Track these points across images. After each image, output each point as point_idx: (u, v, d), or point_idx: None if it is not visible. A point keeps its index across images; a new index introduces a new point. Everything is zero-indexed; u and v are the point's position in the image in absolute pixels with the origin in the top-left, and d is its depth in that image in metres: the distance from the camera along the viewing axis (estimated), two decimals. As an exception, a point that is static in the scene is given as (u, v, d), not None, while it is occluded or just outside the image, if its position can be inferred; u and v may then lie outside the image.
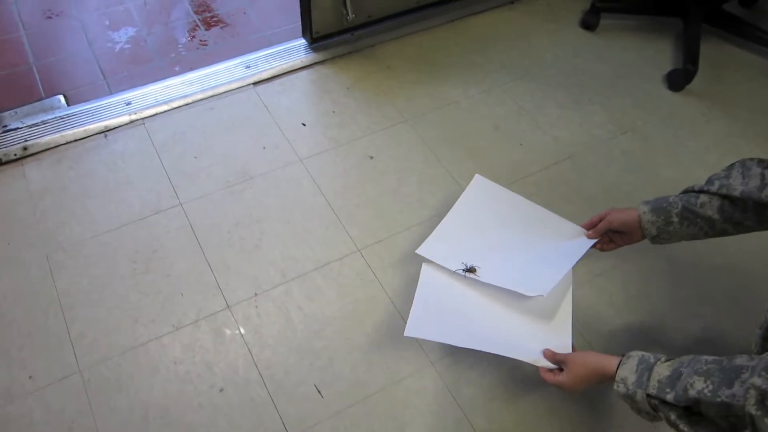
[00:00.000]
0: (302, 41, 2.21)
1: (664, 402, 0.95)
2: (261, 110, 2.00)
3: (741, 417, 0.83)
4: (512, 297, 1.30)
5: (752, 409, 0.79)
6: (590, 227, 1.40)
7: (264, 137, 1.93)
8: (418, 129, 1.97)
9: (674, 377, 0.95)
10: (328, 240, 1.69)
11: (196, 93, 2.03)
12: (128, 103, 2.00)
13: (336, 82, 2.10)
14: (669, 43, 2.34)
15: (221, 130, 1.94)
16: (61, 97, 2.03)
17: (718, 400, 0.86)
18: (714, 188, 1.15)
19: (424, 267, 1.38)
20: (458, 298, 1.33)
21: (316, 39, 2.18)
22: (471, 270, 1.35)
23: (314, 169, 1.85)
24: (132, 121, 1.96)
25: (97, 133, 1.92)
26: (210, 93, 2.04)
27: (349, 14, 2.11)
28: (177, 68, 2.13)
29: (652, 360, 1.01)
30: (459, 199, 1.49)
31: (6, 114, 1.97)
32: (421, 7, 2.32)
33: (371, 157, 1.89)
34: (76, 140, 1.91)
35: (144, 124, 1.95)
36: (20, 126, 1.92)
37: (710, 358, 0.93)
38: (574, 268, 1.34)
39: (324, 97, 2.06)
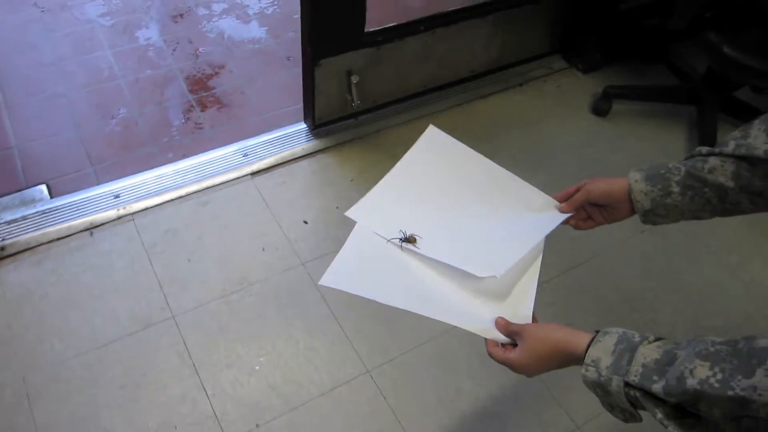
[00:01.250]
0: (303, 126, 2.10)
1: (648, 394, 0.71)
2: (259, 205, 1.88)
3: (760, 421, 0.62)
4: (460, 273, 1.01)
5: None
6: (564, 199, 1.08)
7: (263, 236, 1.80)
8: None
9: (665, 361, 0.71)
10: (334, 359, 1.56)
11: (189, 184, 1.91)
12: (116, 196, 1.86)
13: (339, 173, 1.98)
14: (683, 130, 2.26)
15: (217, 227, 1.81)
16: (44, 188, 1.89)
17: (730, 393, 0.63)
18: (728, 149, 0.89)
19: (359, 224, 1.09)
20: (395, 258, 1.04)
21: (318, 125, 2.06)
22: (410, 240, 1.04)
23: (317, 275, 1.70)
24: (120, 217, 1.82)
25: (82, 230, 1.78)
26: (205, 184, 1.91)
27: (355, 100, 2.01)
28: (170, 155, 2.01)
29: (637, 339, 0.76)
30: (405, 154, 1.17)
31: (-18, 207, 1.83)
32: (428, 90, 2.22)
33: (379, 261, 1.76)
34: (59, 238, 1.76)
35: (133, 219, 1.81)
36: (-2, 222, 1.78)
37: (719, 339, 0.69)
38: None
39: (326, 190, 1.94)
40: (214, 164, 1.97)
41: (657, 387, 0.69)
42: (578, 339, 0.82)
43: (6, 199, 1.85)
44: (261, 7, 2.62)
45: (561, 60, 2.48)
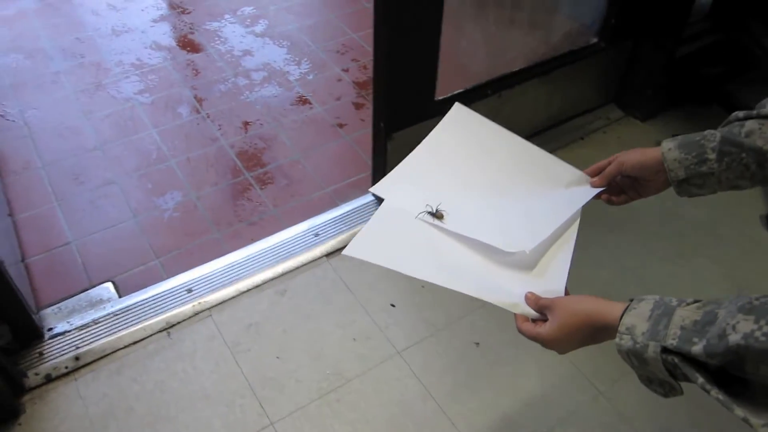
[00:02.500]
0: (371, 198, 2.01)
1: (687, 359, 0.64)
2: (341, 289, 1.78)
3: None
4: (489, 247, 0.97)
5: None
6: (596, 173, 1.04)
7: (351, 325, 1.70)
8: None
9: (706, 321, 0.64)
10: (451, 459, 1.45)
11: (263, 269, 1.81)
12: (189, 290, 1.76)
13: (417, 248, 1.89)
14: (754, 176, 2.20)
15: (301, 318, 1.71)
16: (110, 286, 1.79)
17: None
18: (767, 110, 0.84)
19: (386, 201, 1.05)
20: (423, 233, 1.00)
21: (388, 198, 1.98)
22: (437, 215, 1.01)
23: (416, 364, 1.62)
24: (196, 313, 1.71)
25: (158, 331, 1.67)
26: (280, 269, 1.82)
27: (425, 170, 1.92)
28: (237, 239, 1.91)
29: (674, 303, 0.69)
30: (432, 132, 1.14)
31: (49, 312, 1.72)
32: (493, 152, 2.15)
33: (477, 344, 1.67)
34: (135, 342, 1.65)
35: (211, 315, 1.71)
36: (68, 329, 1.67)
37: (765, 295, 0.61)
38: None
39: (408, 267, 1.84)
40: (285, 247, 1.88)
41: (697, 348, 0.62)
42: (612, 308, 0.75)
43: (72, 301, 1.75)
44: (301, 73, 2.56)
45: (617, 109, 2.43)
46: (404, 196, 1.04)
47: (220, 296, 1.75)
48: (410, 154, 1.11)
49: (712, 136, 0.88)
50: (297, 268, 1.83)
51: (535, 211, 1.04)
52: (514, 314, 0.89)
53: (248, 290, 1.77)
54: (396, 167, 1.09)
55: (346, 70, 2.58)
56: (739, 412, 0.60)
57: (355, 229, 1.93)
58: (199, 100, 2.41)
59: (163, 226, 1.95)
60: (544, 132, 2.28)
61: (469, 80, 1.96)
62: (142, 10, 2.88)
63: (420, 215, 1.01)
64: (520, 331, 0.88)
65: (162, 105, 2.38)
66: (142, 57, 2.61)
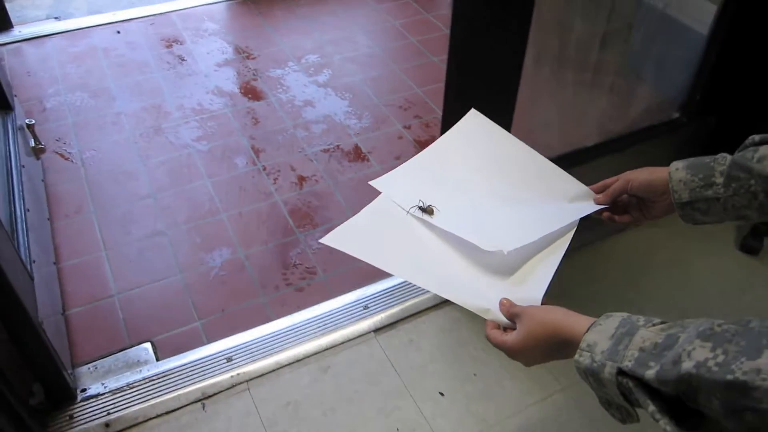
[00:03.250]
0: (425, 271, 1.90)
1: (641, 384, 0.59)
2: (388, 371, 1.66)
3: (766, 416, 0.49)
4: (471, 247, 0.94)
5: None
6: (602, 190, 1.01)
7: (395, 412, 1.58)
8: (581, 403, 1.61)
9: (666, 344, 0.59)
10: None
11: (307, 341, 1.71)
12: (229, 359, 1.67)
13: (472, 329, 1.77)
14: None
15: (343, 400, 1.60)
16: (149, 347, 1.72)
17: (729, 378, 0.51)
18: None
19: (382, 195, 1.04)
20: (409, 229, 0.99)
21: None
22: (426, 210, 1.00)
23: (464, 465, 1.49)
24: (234, 385, 1.63)
25: (194, 401, 1.59)
26: (324, 343, 1.72)
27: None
28: (282, 306, 1.82)
29: (641, 322, 0.65)
30: (443, 135, 1.13)
31: (84, 371, 1.66)
32: (559, 228, 2.02)
33: (532, 448, 1.52)
34: (168, 412, 1.57)
35: (249, 389, 1.62)
36: (102, 392, 1.60)
37: (731, 322, 0.56)
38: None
39: (460, 352, 1.72)
40: (331, 318, 1.78)
41: (650, 373, 0.58)
42: (579, 322, 0.71)
43: (109, 360, 1.68)
44: (362, 128, 2.49)
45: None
46: (401, 192, 1.03)
47: (260, 368, 1.66)
48: (418, 155, 1.10)
49: (723, 159, 0.84)
50: (342, 342, 1.73)
51: (527, 217, 1.01)
52: (485, 320, 0.85)
53: (290, 364, 1.68)
54: (400, 165, 1.09)
55: (407, 128, 2.50)
56: None
57: (407, 303, 1.82)
58: (257, 151, 2.36)
59: (209, 285, 1.88)
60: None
61: (540, 151, 1.84)
62: (208, 53, 2.88)
63: (411, 209, 1.00)
64: (488, 338, 0.84)
65: (219, 154, 2.34)
66: (203, 102, 2.59)
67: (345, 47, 2.95)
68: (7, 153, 1.86)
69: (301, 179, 2.24)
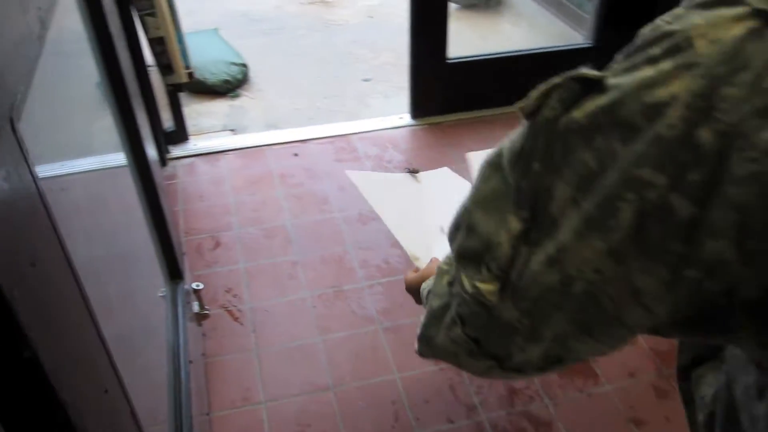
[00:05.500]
0: None
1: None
2: None
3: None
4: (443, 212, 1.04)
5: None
6: None
7: None
8: None
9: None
10: None
11: None
12: None
13: None
14: None
15: None
16: None
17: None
18: None
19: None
20: (403, 187, 1.40)
21: None
22: (413, 171, 1.46)
23: None
24: None
25: None
26: None
27: None
28: None
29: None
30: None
31: None
32: None
33: None
34: None
35: None
36: None
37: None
38: None
39: None
40: None
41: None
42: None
43: None
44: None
45: None
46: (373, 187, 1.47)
47: None
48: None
49: None
50: None
51: None
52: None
53: None
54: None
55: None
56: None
57: None
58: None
59: None
60: None
61: None
62: (393, 192, 2.55)
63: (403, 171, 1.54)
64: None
65: (407, 336, 1.95)
66: (390, 258, 2.24)
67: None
68: (176, 343, 1.55)
69: (512, 393, 1.81)
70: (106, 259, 1.19)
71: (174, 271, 1.74)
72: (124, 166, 1.44)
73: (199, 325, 1.89)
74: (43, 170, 0.65)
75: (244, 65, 3.43)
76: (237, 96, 3.30)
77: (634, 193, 0.39)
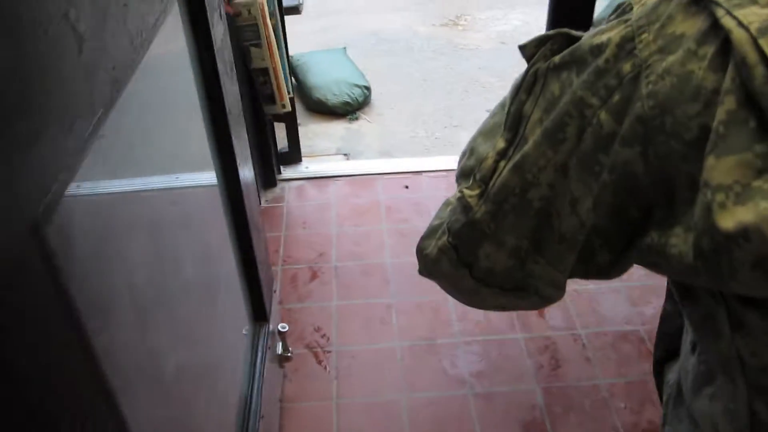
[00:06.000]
0: None
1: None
2: None
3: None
4: None
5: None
6: None
7: None
8: None
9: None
10: None
11: None
12: None
13: None
14: None
15: None
16: None
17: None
18: None
19: None
20: None
21: None
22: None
23: None
24: None
25: None
26: None
27: None
28: None
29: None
30: None
31: None
32: None
33: None
34: None
35: None
36: None
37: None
38: None
39: None
40: None
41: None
42: None
43: None
44: None
45: None
46: None
47: None
48: None
49: None
50: None
51: None
52: None
53: None
54: None
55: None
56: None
57: None
58: (552, 417, 1.74)
59: None
60: None
61: None
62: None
63: None
64: None
65: (500, 407, 1.77)
66: (491, 314, 2.05)
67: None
68: (250, 395, 1.46)
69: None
70: (185, 285, 1.09)
71: (259, 312, 1.66)
72: (213, 185, 1.33)
73: (281, 366, 1.80)
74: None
75: (367, 88, 3.36)
76: (356, 118, 3.24)
77: (577, 111, 0.49)
